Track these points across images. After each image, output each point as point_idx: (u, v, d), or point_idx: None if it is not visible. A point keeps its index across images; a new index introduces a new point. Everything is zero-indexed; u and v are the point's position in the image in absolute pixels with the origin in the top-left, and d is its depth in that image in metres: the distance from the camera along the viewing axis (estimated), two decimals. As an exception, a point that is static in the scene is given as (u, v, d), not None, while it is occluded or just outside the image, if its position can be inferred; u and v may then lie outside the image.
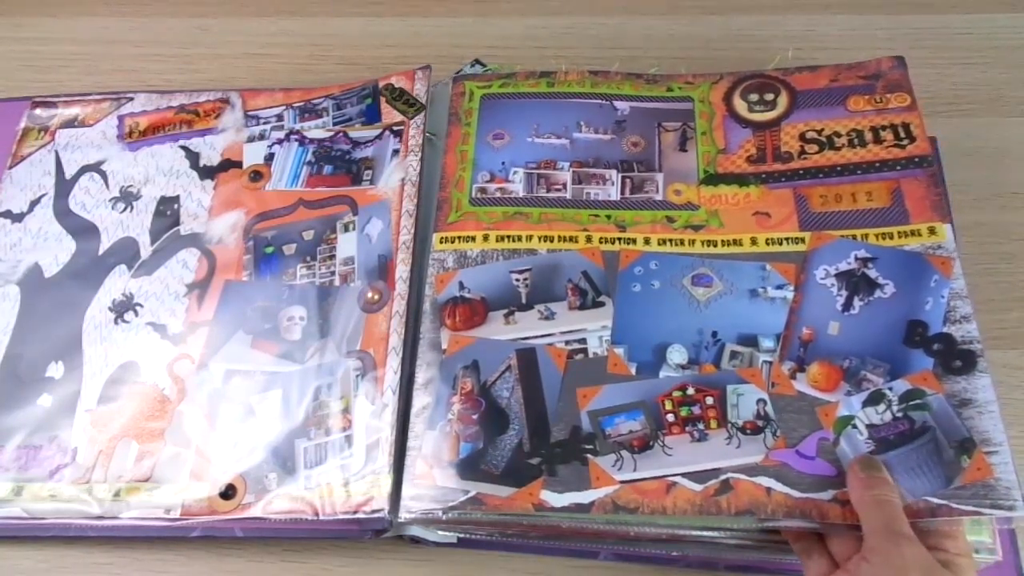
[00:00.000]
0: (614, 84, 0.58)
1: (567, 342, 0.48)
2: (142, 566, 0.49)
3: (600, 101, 0.57)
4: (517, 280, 0.50)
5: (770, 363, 0.46)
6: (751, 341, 0.47)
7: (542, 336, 0.48)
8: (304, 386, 0.50)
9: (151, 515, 0.47)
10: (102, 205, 0.59)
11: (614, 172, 0.54)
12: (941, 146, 0.60)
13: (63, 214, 0.59)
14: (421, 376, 0.48)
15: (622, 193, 0.53)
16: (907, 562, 0.37)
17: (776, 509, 0.42)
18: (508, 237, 0.51)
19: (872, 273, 0.48)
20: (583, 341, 0.48)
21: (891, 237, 0.49)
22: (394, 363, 0.49)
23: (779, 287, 0.49)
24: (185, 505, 0.47)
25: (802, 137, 0.54)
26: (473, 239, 0.52)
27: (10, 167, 0.61)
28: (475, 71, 0.63)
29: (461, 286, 0.50)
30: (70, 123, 0.63)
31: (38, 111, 0.64)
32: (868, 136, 0.53)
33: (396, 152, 0.57)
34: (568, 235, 0.51)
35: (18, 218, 0.59)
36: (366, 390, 0.49)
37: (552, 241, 0.51)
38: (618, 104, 0.57)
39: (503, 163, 0.55)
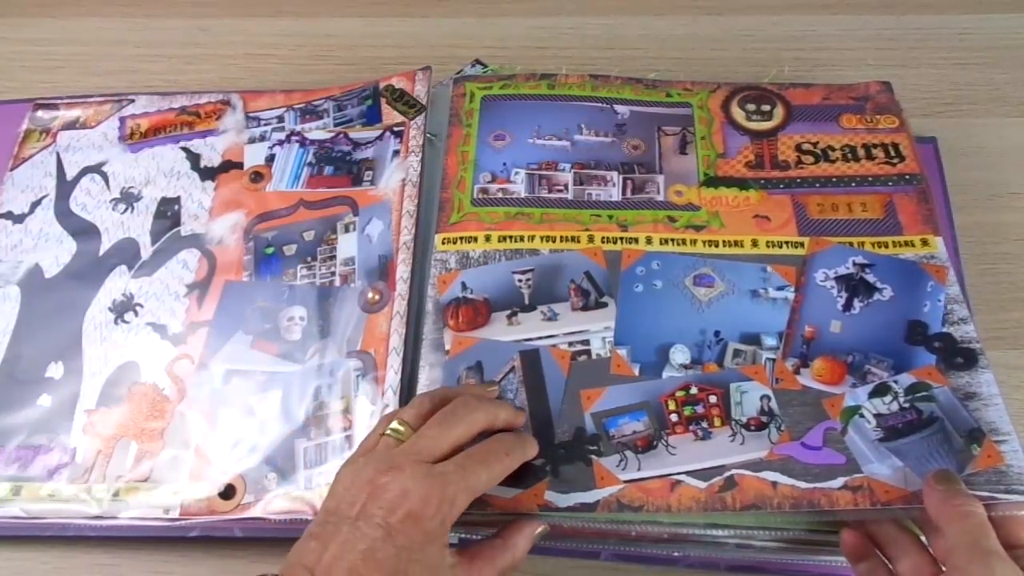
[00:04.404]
0: (614, 88, 0.58)
1: (570, 343, 0.48)
2: (145, 567, 0.49)
3: (601, 104, 0.57)
4: (519, 281, 0.50)
5: (773, 360, 0.46)
6: (754, 339, 0.47)
7: (545, 337, 0.48)
8: (304, 386, 0.49)
9: (150, 515, 0.47)
10: (103, 206, 0.59)
11: (615, 174, 0.55)
12: (941, 146, 0.61)
13: (64, 215, 0.59)
14: (424, 377, 0.47)
15: (623, 194, 0.54)
16: None
17: (783, 502, 0.42)
18: (510, 237, 0.51)
19: (870, 278, 0.49)
20: (586, 342, 0.48)
21: (886, 246, 0.50)
22: (395, 363, 0.49)
23: (780, 288, 0.49)
24: (184, 505, 0.47)
25: (798, 148, 0.55)
26: (475, 239, 0.52)
27: (11, 169, 0.61)
28: (475, 72, 0.63)
29: (464, 287, 0.50)
30: (71, 125, 0.63)
31: (40, 113, 0.64)
32: (861, 152, 0.55)
33: (396, 153, 0.57)
34: (570, 235, 0.51)
35: (19, 219, 0.59)
36: (366, 390, 0.49)
37: (554, 241, 0.51)
38: (618, 108, 0.57)
39: (504, 164, 0.55)
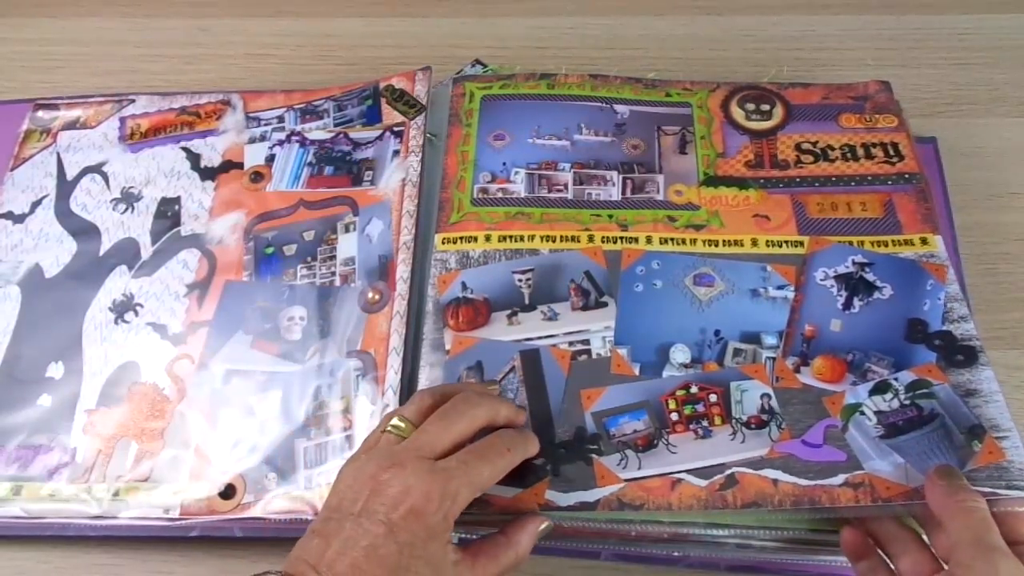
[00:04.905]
0: (614, 88, 0.58)
1: (571, 343, 0.48)
2: (145, 567, 0.49)
3: (600, 104, 0.57)
4: (520, 280, 0.50)
5: (773, 359, 0.46)
6: (754, 339, 0.47)
7: (546, 337, 0.48)
8: (304, 386, 0.49)
9: (150, 515, 0.47)
10: (103, 206, 0.59)
11: (615, 173, 0.55)
12: (941, 146, 0.61)
13: (64, 215, 0.59)
14: (424, 377, 0.47)
15: (623, 193, 0.54)
16: None
17: (783, 499, 0.41)
18: (510, 237, 0.51)
19: (870, 277, 0.49)
20: (586, 342, 0.48)
21: (885, 245, 0.50)
22: (395, 363, 0.49)
23: (780, 287, 0.49)
24: (184, 505, 0.47)
25: (798, 147, 0.55)
26: (475, 239, 0.52)
27: (12, 169, 0.61)
28: (476, 72, 0.63)
29: (464, 287, 0.50)
30: (72, 125, 0.63)
31: (40, 113, 0.64)
32: (860, 151, 0.55)
33: (396, 153, 0.57)
34: (570, 235, 0.51)
35: (19, 219, 0.59)
36: (366, 390, 0.49)
37: (554, 241, 0.51)
38: (618, 107, 0.57)
39: (504, 164, 0.55)
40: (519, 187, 0.54)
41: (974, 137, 0.63)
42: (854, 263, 0.50)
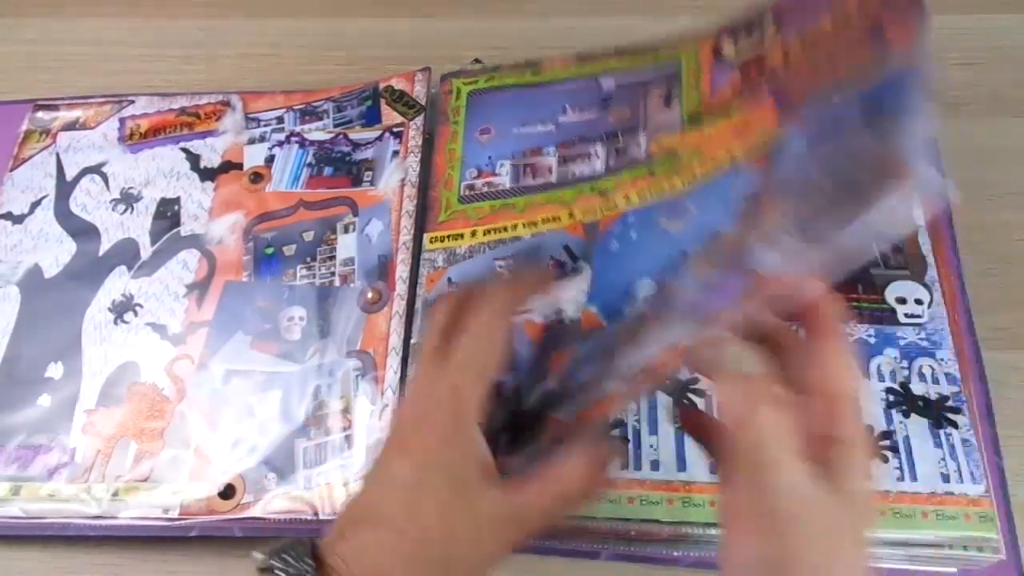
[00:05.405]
0: (600, 63, 0.55)
1: (544, 316, 0.44)
2: (145, 567, 0.49)
3: (585, 81, 0.54)
4: (501, 267, 0.49)
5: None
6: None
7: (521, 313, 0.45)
8: (304, 386, 0.50)
9: (150, 515, 0.47)
10: (103, 207, 0.59)
11: (599, 145, 0.53)
12: (941, 146, 0.60)
13: (64, 216, 0.59)
14: (413, 373, 0.48)
15: (607, 162, 0.51)
16: (782, 513, 0.26)
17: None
18: (495, 230, 0.51)
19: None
20: (559, 311, 0.44)
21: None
22: (394, 363, 0.49)
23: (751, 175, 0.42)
24: (184, 505, 0.47)
25: (785, 46, 0.45)
26: (461, 236, 0.51)
27: (11, 169, 0.61)
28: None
29: (450, 282, 0.50)
30: (71, 125, 0.63)
31: (40, 114, 0.64)
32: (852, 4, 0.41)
33: (396, 153, 0.57)
34: (552, 216, 0.50)
35: (19, 220, 0.59)
36: (366, 390, 0.49)
37: (536, 226, 0.50)
38: (603, 81, 0.55)
39: (490, 157, 0.54)
40: (504, 179, 0.53)
41: (974, 137, 0.62)
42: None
